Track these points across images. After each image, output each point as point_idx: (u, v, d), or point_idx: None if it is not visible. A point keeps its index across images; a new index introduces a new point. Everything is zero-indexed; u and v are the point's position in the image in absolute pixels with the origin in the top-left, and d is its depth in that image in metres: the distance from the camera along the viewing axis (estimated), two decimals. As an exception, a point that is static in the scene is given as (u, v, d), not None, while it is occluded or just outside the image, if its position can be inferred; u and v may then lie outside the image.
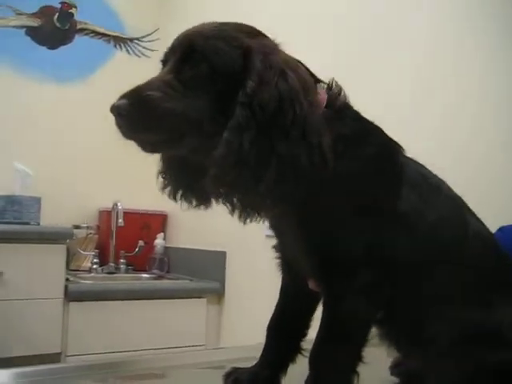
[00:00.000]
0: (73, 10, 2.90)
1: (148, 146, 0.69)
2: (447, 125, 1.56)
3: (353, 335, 0.71)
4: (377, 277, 0.69)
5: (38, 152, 2.77)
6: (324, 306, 0.72)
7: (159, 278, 2.81)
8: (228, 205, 0.67)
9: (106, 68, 2.98)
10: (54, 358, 2.14)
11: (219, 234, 2.55)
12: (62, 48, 2.91)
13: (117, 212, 2.73)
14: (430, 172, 0.79)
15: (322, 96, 0.72)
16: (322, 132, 0.66)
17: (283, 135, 0.63)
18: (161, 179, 0.76)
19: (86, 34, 2.95)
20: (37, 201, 2.50)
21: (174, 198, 0.75)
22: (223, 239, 2.54)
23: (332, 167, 0.66)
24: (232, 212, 0.67)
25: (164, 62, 0.72)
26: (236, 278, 2.52)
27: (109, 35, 3.00)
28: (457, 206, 0.79)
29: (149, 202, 2.93)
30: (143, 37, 3.10)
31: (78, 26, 2.94)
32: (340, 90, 0.75)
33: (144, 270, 2.89)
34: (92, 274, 2.71)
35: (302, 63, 0.73)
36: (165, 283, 2.68)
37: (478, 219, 0.80)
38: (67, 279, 2.35)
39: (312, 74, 0.74)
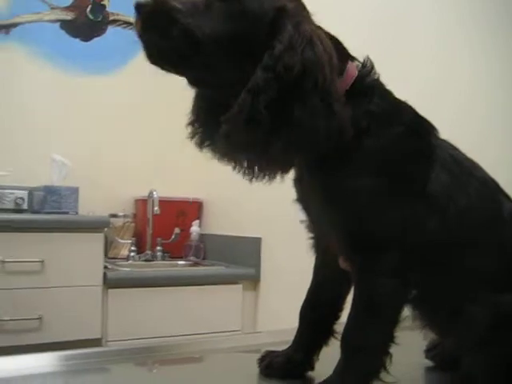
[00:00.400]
0: (105, 2, 2.94)
1: (156, 51, 0.68)
2: (457, 129, 1.54)
3: (384, 315, 0.71)
4: (408, 256, 0.69)
5: (75, 143, 2.83)
6: (355, 286, 0.73)
7: (195, 264, 2.84)
8: (236, 163, 0.69)
9: (138, 58, 3.00)
10: (94, 343, 2.20)
11: (254, 220, 2.57)
12: (96, 40, 2.96)
13: (152, 200, 2.77)
14: (463, 154, 0.78)
15: (352, 72, 0.72)
16: (341, 103, 0.66)
17: (302, 101, 0.64)
18: (190, 129, 0.76)
19: (118, 25, 2.99)
20: (74, 191, 2.56)
21: (201, 148, 0.75)
22: (258, 225, 2.56)
23: (359, 143, 0.67)
24: (239, 171, 0.69)
25: None
26: (271, 263, 2.53)
27: (141, 25, 3.02)
28: (490, 188, 0.78)
29: (184, 190, 2.98)
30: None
31: (111, 18, 2.97)
32: (372, 67, 0.74)
33: (180, 257, 2.92)
34: (130, 262, 2.76)
35: (335, 37, 0.73)
36: (201, 270, 2.71)
37: None
38: (106, 267, 2.41)
39: (345, 50, 0.74)
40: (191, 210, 3.04)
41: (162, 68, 0.70)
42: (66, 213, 2.47)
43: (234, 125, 0.65)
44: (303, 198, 0.78)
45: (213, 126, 0.70)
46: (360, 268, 0.71)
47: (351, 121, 0.67)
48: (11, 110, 2.77)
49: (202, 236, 2.98)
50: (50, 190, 2.51)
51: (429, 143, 0.74)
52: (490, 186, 0.78)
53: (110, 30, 2.98)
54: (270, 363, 0.86)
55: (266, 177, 0.69)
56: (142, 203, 2.92)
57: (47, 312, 2.19)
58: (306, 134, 0.64)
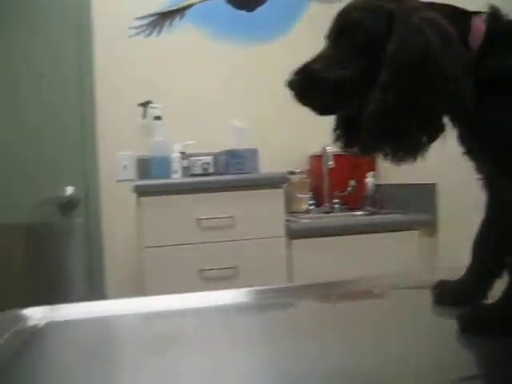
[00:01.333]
0: (265, -31, 3.07)
1: (318, 110, 0.79)
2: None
3: None
4: None
5: (251, 108, 3.05)
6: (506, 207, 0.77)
7: (372, 214, 2.91)
8: (383, 153, 0.75)
9: (303, 22, 3.13)
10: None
11: (428, 167, 2.54)
12: (260, 9, 3.12)
13: (326, 155, 2.89)
14: None
15: (479, 26, 0.74)
16: (461, 80, 0.70)
17: (425, 89, 0.70)
18: (334, 134, 0.85)
19: (279, -7, 3.12)
20: (254, 152, 2.77)
21: (345, 150, 0.84)
22: (433, 172, 2.55)
23: (501, 90, 0.71)
24: (386, 158, 0.75)
25: (327, 37, 0.81)
26: (448, 209, 2.52)
27: (304, -13, 3.12)
28: None
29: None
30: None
31: (272, -14, 3.11)
32: (498, 12, 0.75)
33: (357, 208, 3.01)
34: (310, 215, 2.92)
35: (450, 5, 0.76)
36: (376, 218, 2.77)
37: None
38: (287, 220, 2.59)
39: (464, 11, 0.76)
40: (365, 162, 3.10)
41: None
42: (248, 173, 2.69)
43: (373, 120, 0.72)
44: (468, 148, 0.82)
45: (353, 133, 0.79)
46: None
47: (488, 76, 0.71)
48: (190, 86, 3.07)
49: (377, 187, 3.03)
50: (232, 154, 2.75)
51: None
52: None
53: (272, -2, 3.12)
54: (442, 290, 0.91)
55: (411, 159, 0.75)
56: (316, 159, 3.06)
57: (240, 262, 2.44)
58: (432, 118, 0.72)
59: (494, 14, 0.76)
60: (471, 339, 0.75)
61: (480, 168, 0.84)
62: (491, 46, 0.73)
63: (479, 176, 0.86)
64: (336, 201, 3.00)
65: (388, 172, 3.04)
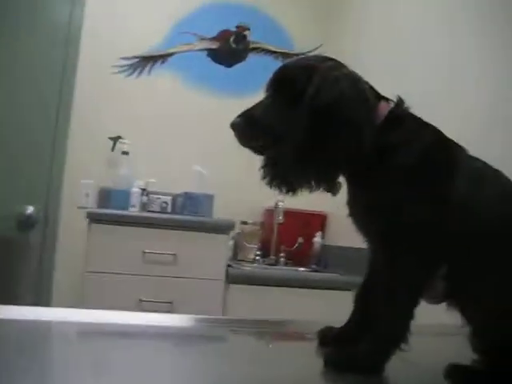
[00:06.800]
0: (246, 32, 3.31)
1: (256, 151, 0.94)
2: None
3: (405, 294, 0.85)
4: (432, 248, 0.83)
5: (214, 157, 3.21)
6: (383, 269, 0.87)
7: (313, 271, 3.03)
8: (288, 185, 0.90)
9: (275, 82, 3.33)
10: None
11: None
12: (237, 66, 3.34)
13: (278, 210, 3.04)
14: (489, 167, 0.89)
15: (383, 108, 0.90)
16: (364, 124, 0.85)
17: (333, 132, 0.84)
18: (261, 172, 0.95)
19: (258, 53, 3.35)
20: (210, 197, 2.91)
21: (270, 187, 0.94)
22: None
23: (391, 161, 0.85)
24: (288, 192, 0.90)
25: (266, 90, 0.96)
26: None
27: (277, 52, 3.36)
28: (510, 194, 0.88)
29: (310, 203, 3.20)
30: (309, 52, 3.39)
31: (251, 46, 3.34)
32: (402, 102, 0.92)
33: (302, 265, 3.13)
34: (254, 264, 3.04)
35: (366, 81, 0.92)
36: (315, 275, 2.91)
37: None
38: (229, 265, 2.71)
39: (377, 92, 0.92)
40: (315, 221, 3.25)
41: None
42: (202, 216, 2.82)
43: (287, 153, 0.87)
44: (353, 212, 0.94)
45: (275, 169, 0.92)
46: (388, 255, 0.86)
47: (384, 145, 0.86)
48: (160, 128, 3.24)
49: (324, 246, 3.18)
50: (189, 196, 2.89)
51: (451, 158, 0.88)
52: (510, 192, 0.88)
53: (250, 56, 3.35)
54: (325, 335, 1.02)
55: (311, 191, 0.89)
56: (270, 212, 3.21)
57: (177, 298, 2.54)
58: (337, 154, 0.85)
59: (398, 102, 0.92)
60: (332, 375, 0.86)
61: (363, 232, 0.96)
62: (386, 126, 0.88)
63: (363, 238, 1.00)
64: (282, 255, 3.14)
65: (335, 233, 3.19)
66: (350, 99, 0.85)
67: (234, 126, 0.92)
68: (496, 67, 1.92)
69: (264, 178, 0.94)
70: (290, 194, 0.93)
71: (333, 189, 0.92)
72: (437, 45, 2.44)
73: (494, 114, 1.88)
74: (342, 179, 0.92)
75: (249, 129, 0.92)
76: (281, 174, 0.90)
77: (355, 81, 0.89)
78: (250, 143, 0.93)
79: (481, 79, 2.05)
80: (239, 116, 0.92)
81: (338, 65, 0.92)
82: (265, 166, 0.96)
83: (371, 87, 0.92)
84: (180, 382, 0.81)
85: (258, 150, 0.94)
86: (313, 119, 0.85)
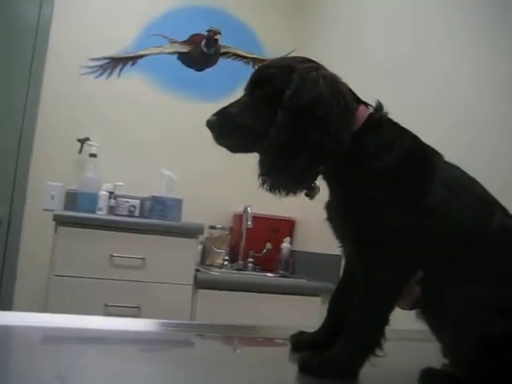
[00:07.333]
0: (218, 37, 3.30)
1: (232, 149, 0.94)
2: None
3: (381, 300, 0.86)
4: (405, 252, 0.84)
5: (183, 161, 3.19)
6: (359, 275, 0.88)
7: (281, 277, 3.03)
8: (270, 184, 0.89)
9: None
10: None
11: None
12: (208, 70, 3.33)
13: (247, 215, 3.03)
14: (465, 174, 0.91)
15: (362, 112, 0.91)
16: (341, 125, 0.86)
17: (312, 129, 0.85)
18: (260, 180, 0.94)
19: (229, 57, 3.34)
20: (179, 202, 2.89)
21: (271, 192, 0.94)
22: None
23: (369, 165, 0.86)
24: (270, 190, 0.90)
25: (245, 89, 0.96)
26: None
27: (248, 57, 3.36)
28: (485, 201, 0.89)
29: (279, 209, 3.20)
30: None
31: (222, 50, 3.33)
32: (381, 107, 0.93)
33: (270, 270, 3.13)
34: (222, 269, 3.03)
35: (345, 84, 0.92)
36: (283, 280, 2.91)
37: (508, 215, 0.88)
38: (197, 270, 2.70)
39: (356, 97, 0.93)
40: (284, 227, 3.26)
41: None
42: (169, 220, 2.80)
43: (267, 154, 0.88)
44: (330, 215, 0.95)
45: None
46: (364, 259, 0.87)
47: (363, 148, 0.87)
48: (129, 131, 3.21)
49: (292, 252, 3.18)
50: (157, 200, 2.86)
51: (429, 164, 0.89)
52: (485, 199, 0.89)
53: (221, 61, 3.34)
54: (298, 340, 1.03)
55: (292, 192, 0.90)
56: (238, 218, 3.20)
57: (144, 303, 2.51)
58: (315, 153, 0.85)
59: (377, 106, 0.93)
60: (305, 380, 0.87)
61: (339, 236, 0.97)
62: (365, 129, 0.89)
63: (339, 243, 0.99)
64: (251, 260, 3.13)
65: (304, 239, 3.20)
66: (329, 100, 0.86)
67: (209, 123, 0.92)
68: (492, 67, 1.95)
69: (264, 184, 0.93)
70: (279, 194, 0.92)
71: (311, 191, 0.93)
72: (404, 47, 2.47)
73: (492, 114, 1.90)
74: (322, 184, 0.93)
75: (224, 127, 0.91)
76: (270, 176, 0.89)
77: (334, 82, 0.90)
78: (226, 142, 0.93)
79: (452, 80, 2.08)
80: (215, 114, 0.92)
81: (317, 66, 0.92)
82: (265, 174, 0.94)
83: (350, 90, 0.93)
84: (146, 387, 0.80)
85: (233, 149, 0.94)
86: (291, 119, 0.86)
